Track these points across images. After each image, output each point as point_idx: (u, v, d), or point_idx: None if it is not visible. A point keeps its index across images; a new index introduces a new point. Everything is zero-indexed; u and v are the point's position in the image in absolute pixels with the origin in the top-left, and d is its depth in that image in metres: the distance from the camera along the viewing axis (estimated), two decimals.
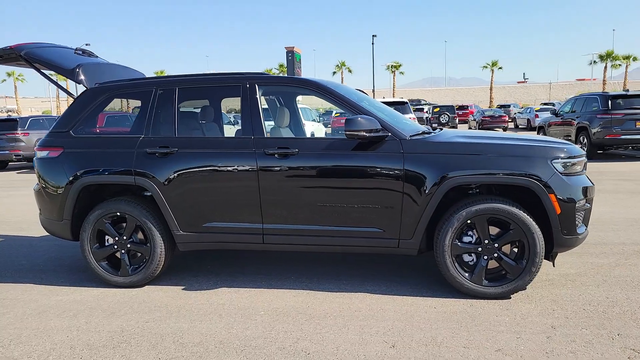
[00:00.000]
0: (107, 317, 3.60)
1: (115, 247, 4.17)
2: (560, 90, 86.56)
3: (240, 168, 3.91)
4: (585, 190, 3.65)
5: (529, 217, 3.55)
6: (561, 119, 14.72)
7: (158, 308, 3.74)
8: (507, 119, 30.52)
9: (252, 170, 3.88)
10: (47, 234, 4.73)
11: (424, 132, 4.01)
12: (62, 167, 4.20)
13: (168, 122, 4.18)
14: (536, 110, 29.32)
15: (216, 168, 3.95)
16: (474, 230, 3.69)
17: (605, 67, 54.30)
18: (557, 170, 3.57)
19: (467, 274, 3.69)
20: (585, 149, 12.40)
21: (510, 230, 3.61)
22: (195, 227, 4.06)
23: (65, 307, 3.81)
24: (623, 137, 12.22)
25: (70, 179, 4.15)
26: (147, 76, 4.85)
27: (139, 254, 4.22)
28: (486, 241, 3.65)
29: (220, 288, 4.12)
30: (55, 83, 4.63)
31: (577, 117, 13.50)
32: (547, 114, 26.16)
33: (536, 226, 3.55)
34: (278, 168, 3.85)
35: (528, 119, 29.59)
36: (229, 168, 3.93)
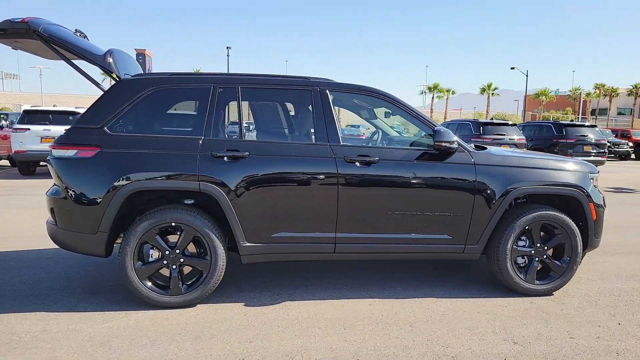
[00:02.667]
0: (196, 342, 3.15)
1: (165, 262, 3.65)
2: None
3: (318, 175, 3.77)
4: (603, 200, 4.37)
5: (573, 222, 4.11)
6: None
7: (243, 327, 3.39)
8: (364, 137, 32.91)
9: (331, 177, 3.78)
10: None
11: (477, 147, 4.34)
12: (101, 169, 3.55)
13: (231, 124, 3.83)
14: None
15: (292, 175, 3.75)
16: (526, 235, 4.14)
17: (433, 97, 62.68)
18: (591, 182, 4.22)
19: (522, 275, 4.11)
20: None
21: (557, 234, 4.13)
22: (263, 238, 3.77)
23: (130, 335, 3.22)
24: None
25: (115, 184, 3.53)
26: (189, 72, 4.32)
27: (189, 269, 3.76)
28: (538, 244, 4.12)
29: (285, 302, 3.88)
30: (83, 72, 3.84)
31: None
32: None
33: (578, 230, 4.13)
34: (359, 176, 3.81)
35: None
36: (307, 175, 3.77)
